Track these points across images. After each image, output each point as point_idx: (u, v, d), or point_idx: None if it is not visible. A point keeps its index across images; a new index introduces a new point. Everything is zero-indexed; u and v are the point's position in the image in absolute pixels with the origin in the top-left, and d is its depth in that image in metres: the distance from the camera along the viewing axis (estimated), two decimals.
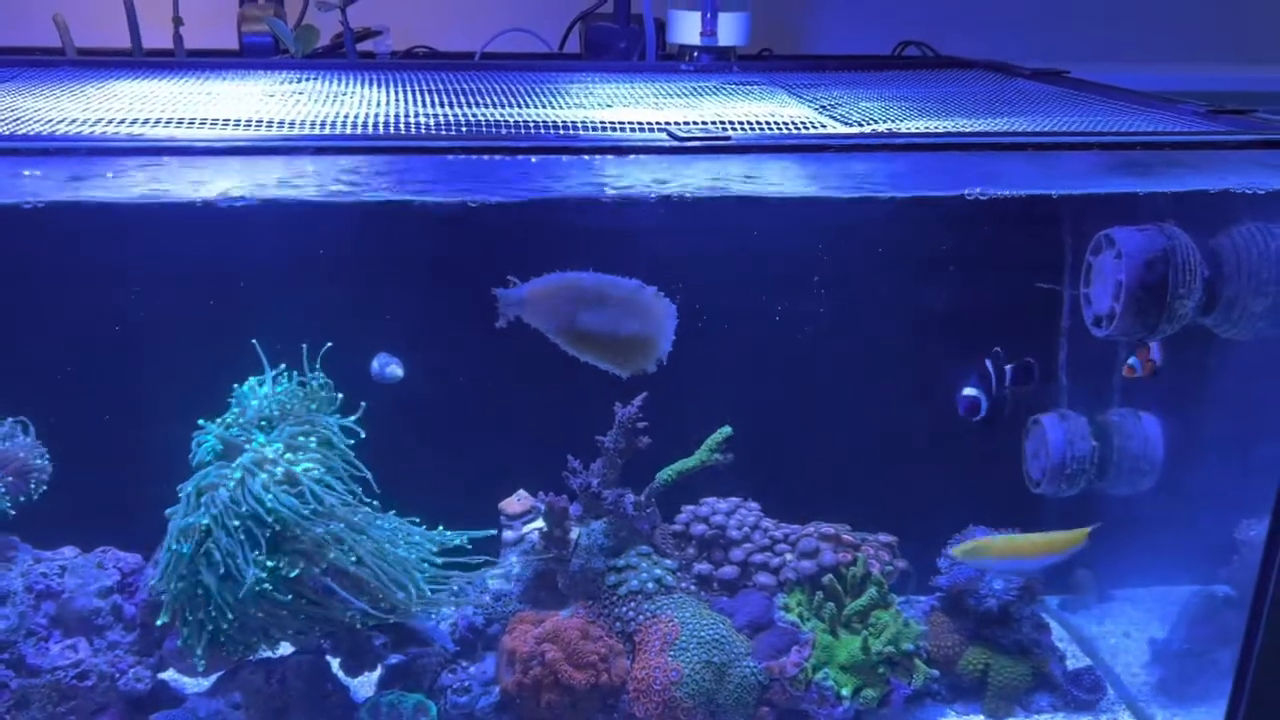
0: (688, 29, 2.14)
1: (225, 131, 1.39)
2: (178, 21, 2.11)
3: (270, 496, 1.70)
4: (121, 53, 2.08)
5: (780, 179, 1.51)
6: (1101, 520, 2.17)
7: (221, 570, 1.68)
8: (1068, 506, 2.17)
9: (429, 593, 1.84)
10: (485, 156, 1.34)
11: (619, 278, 1.52)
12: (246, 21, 2.10)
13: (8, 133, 1.33)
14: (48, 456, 1.94)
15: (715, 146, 1.33)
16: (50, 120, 1.41)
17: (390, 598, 1.79)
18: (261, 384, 1.87)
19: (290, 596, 1.71)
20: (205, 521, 1.71)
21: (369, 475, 1.83)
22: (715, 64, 2.15)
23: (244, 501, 1.69)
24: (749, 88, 1.89)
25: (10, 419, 1.93)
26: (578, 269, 1.53)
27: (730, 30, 2.14)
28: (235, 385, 1.88)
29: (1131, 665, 2.21)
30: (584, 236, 1.62)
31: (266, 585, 1.68)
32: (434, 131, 1.40)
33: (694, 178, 1.46)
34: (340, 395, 1.90)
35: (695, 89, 1.85)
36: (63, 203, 1.48)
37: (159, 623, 1.77)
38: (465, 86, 1.75)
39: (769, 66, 2.23)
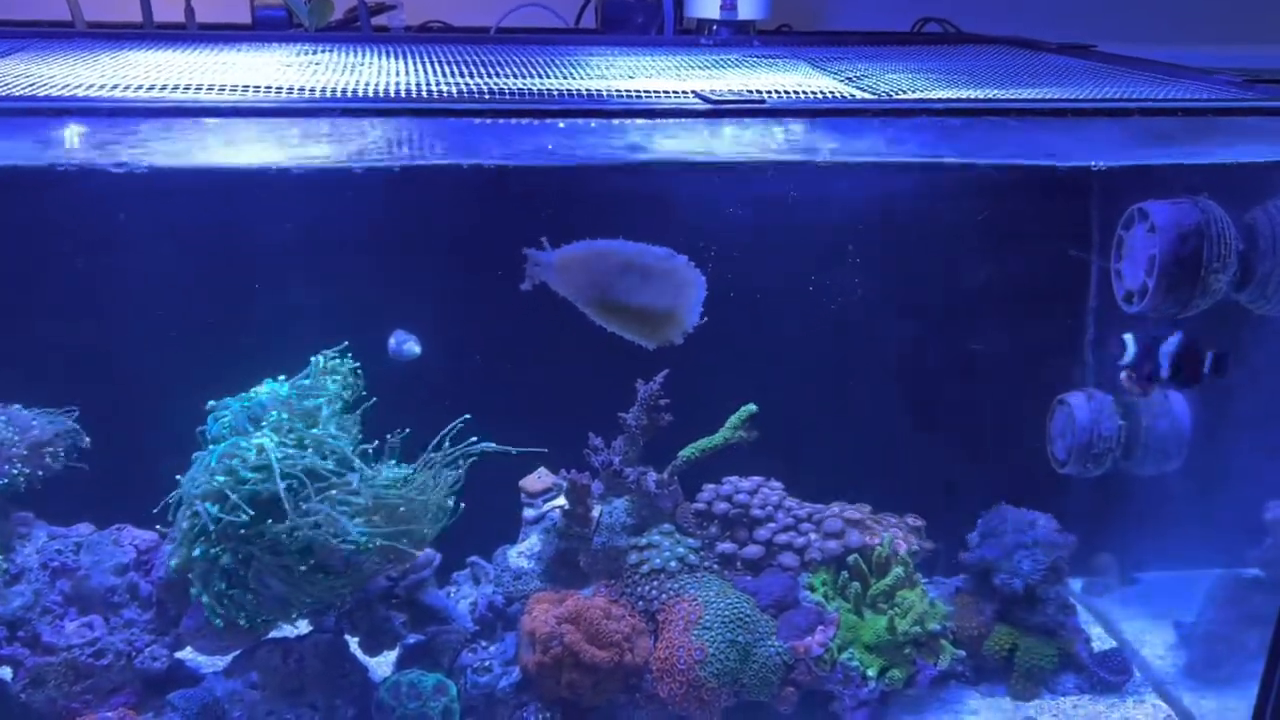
0: (707, 3, 2.11)
1: (246, 96, 1.36)
2: None
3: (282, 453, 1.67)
4: (132, 26, 2.05)
5: (809, 145, 1.48)
6: (1130, 504, 2.14)
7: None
8: (1093, 486, 2.14)
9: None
10: (513, 120, 1.31)
11: (649, 245, 1.49)
12: None
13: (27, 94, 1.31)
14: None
15: (750, 110, 1.30)
16: (69, 86, 1.38)
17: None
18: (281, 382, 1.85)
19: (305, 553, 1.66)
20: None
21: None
22: (735, 38, 2.12)
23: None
24: (771, 61, 1.86)
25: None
26: (608, 236, 1.49)
27: (750, 4, 2.12)
28: (253, 362, 1.86)
29: (1157, 648, 2.19)
30: (613, 202, 1.59)
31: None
32: (459, 97, 1.37)
33: (728, 144, 1.43)
34: (359, 372, 1.87)
35: (717, 61, 1.81)
36: (81, 168, 1.46)
37: (171, 564, 1.73)
38: (484, 59, 1.71)
39: (789, 41, 2.20)
